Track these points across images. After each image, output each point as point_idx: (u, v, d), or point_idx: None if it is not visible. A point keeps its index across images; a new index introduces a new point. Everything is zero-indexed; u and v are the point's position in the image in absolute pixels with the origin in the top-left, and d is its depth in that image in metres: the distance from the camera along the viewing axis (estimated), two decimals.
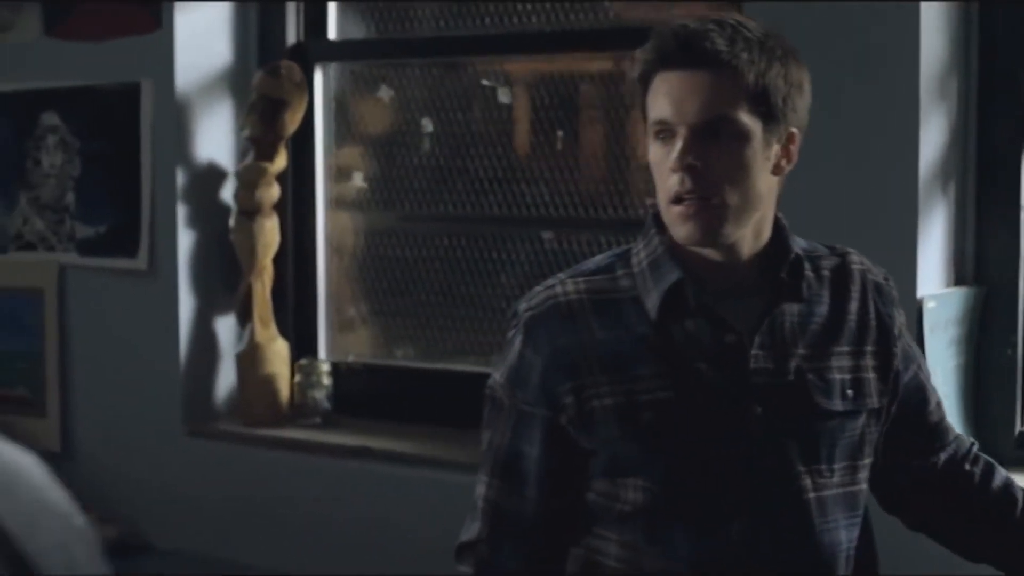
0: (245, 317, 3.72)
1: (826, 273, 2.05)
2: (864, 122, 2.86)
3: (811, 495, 1.99)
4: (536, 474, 2.05)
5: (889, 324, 2.07)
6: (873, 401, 2.03)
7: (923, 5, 2.84)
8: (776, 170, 1.98)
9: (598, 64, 3.60)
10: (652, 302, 2.00)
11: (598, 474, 2.03)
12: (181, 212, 3.68)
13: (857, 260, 2.09)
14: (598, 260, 2.10)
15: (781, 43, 1.96)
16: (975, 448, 2.22)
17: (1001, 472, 2.20)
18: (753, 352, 1.98)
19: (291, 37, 3.78)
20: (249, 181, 3.66)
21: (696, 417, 1.98)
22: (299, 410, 3.69)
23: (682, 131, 1.92)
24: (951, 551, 2.23)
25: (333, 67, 3.81)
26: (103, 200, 3.76)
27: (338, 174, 3.83)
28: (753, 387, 1.98)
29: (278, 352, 3.72)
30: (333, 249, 3.85)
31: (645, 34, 2.00)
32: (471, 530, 2.11)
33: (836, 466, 2.00)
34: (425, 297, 3.78)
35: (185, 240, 3.70)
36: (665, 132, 1.95)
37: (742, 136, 1.92)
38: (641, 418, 1.97)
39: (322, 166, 3.81)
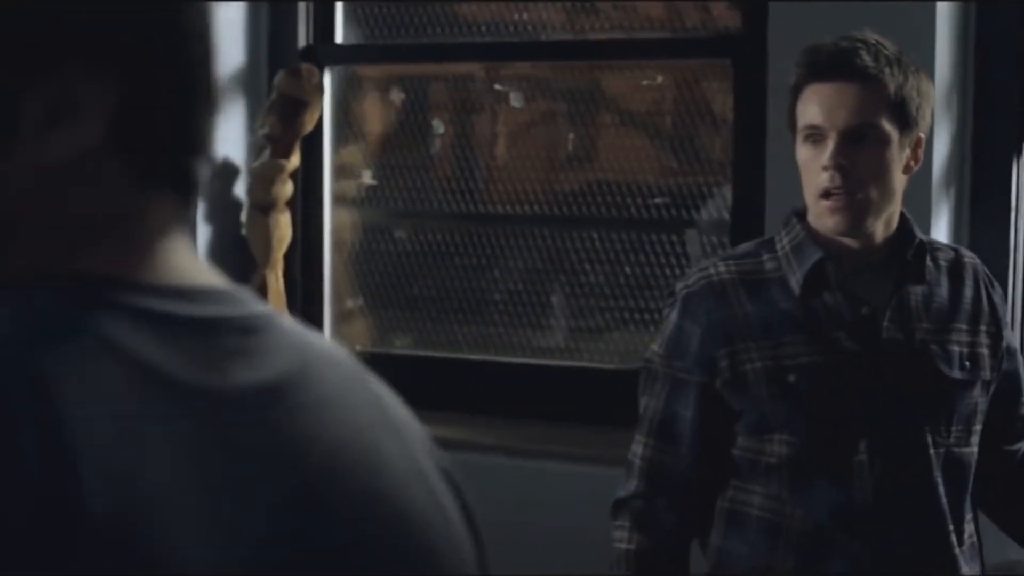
0: None
1: (943, 263, 2.35)
2: None
3: (931, 451, 2.28)
4: (690, 434, 2.31)
5: (1001, 312, 2.37)
6: (986, 373, 2.33)
7: (939, 6, 3.15)
8: (906, 170, 2.28)
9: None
10: (796, 280, 2.27)
11: (745, 432, 2.29)
12: (200, 208, 3.82)
13: (969, 254, 2.40)
14: (745, 247, 2.38)
15: (911, 60, 2.26)
16: None
17: None
18: (885, 324, 2.26)
19: (301, 40, 3.96)
20: (266, 178, 3.82)
21: (835, 379, 2.25)
22: None
23: (832, 135, 2.21)
24: (1009, 536, 2.52)
25: (339, 69, 3.99)
26: None
27: (346, 172, 4.02)
28: (885, 354, 2.26)
29: None
30: (336, 244, 4.04)
31: None
32: (627, 487, 2.35)
33: (953, 428, 2.29)
34: (419, 291, 4.00)
35: (203, 234, 3.84)
36: (816, 135, 2.23)
37: (883, 140, 2.22)
38: (787, 380, 2.25)
39: (329, 165, 4.00)
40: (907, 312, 2.29)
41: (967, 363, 2.31)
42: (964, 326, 2.33)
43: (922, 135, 2.28)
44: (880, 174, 2.23)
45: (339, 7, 3.98)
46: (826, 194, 2.23)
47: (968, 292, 2.35)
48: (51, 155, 0.89)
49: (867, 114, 2.21)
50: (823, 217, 2.25)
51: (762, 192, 3.25)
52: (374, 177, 4.02)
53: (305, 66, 3.81)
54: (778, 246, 2.33)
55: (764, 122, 3.24)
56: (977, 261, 2.41)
